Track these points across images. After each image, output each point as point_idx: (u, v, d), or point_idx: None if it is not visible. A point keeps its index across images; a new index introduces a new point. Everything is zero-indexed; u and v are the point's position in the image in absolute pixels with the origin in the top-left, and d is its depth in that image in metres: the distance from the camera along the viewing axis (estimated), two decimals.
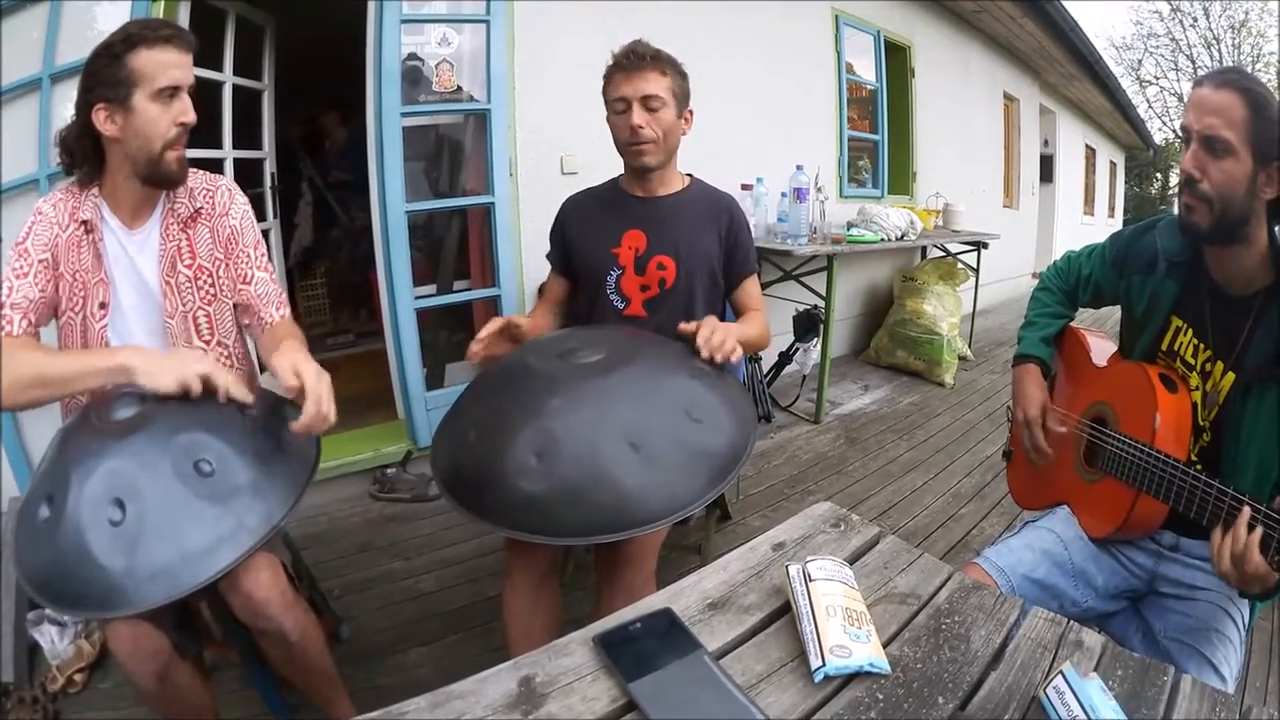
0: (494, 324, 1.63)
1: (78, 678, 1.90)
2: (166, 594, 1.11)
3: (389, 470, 3.13)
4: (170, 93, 1.39)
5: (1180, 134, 1.32)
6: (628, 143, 1.82)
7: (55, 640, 1.98)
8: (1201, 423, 1.36)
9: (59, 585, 1.11)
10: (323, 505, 2.98)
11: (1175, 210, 1.36)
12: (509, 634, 1.57)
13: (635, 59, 1.78)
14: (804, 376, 4.35)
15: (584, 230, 1.96)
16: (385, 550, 2.68)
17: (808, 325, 4.06)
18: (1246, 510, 1.11)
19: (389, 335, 3.27)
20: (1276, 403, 1.25)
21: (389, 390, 3.44)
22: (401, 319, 3.14)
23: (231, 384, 1.29)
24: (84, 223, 1.45)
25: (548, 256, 2.07)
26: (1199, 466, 1.26)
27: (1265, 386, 1.26)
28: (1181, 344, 1.40)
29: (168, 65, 1.38)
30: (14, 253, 1.41)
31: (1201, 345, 1.37)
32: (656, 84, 1.78)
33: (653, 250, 1.87)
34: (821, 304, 4.05)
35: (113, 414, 1.24)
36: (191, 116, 1.44)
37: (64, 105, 2.44)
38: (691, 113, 1.89)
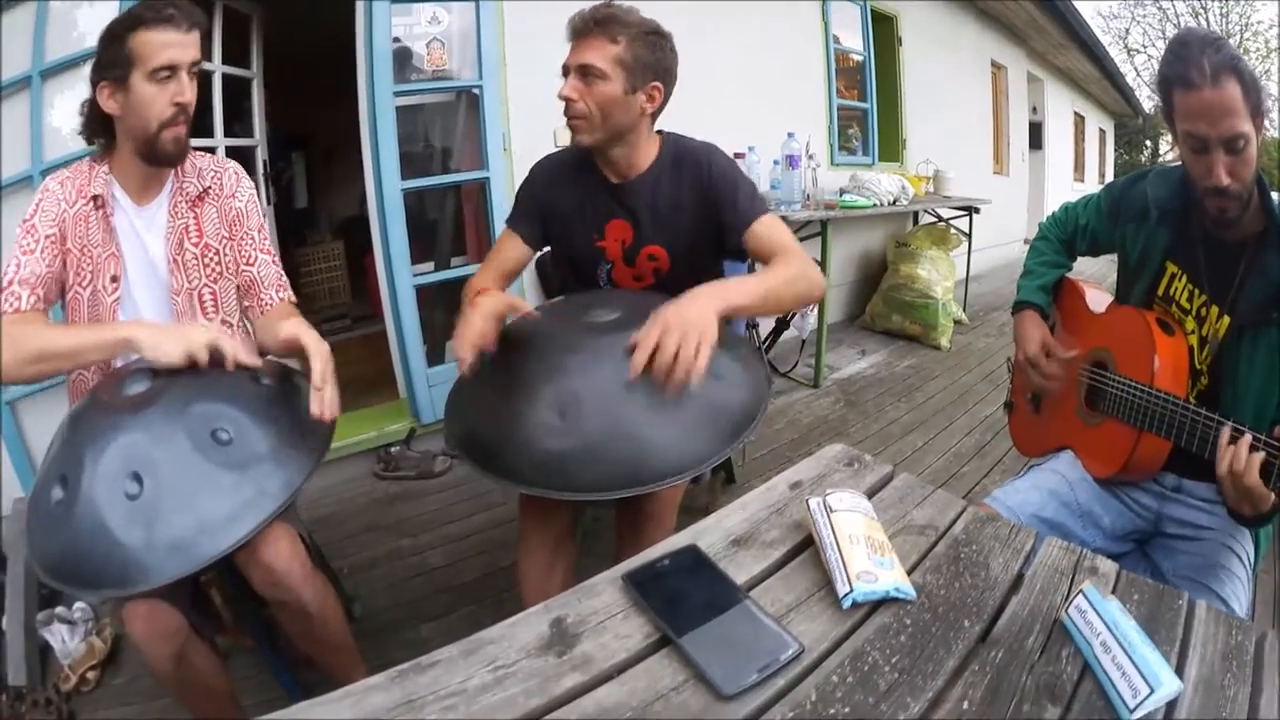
0: (473, 333, 1.38)
1: (90, 675, 1.88)
2: (188, 565, 1.08)
3: (393, 449, 3.14)
4: (167, 72, 1.38)
5: (1186, 136, 1.24)
6: (565, 115, 1.60)
7: (66, 639, 1.97)
8: (1199, 366, 1.38)
9: (75, 565, 1.08)
10: (328, 486, 2.98)
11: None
12: (525, 596, 1.55)
13: (580, 23, 1.55)
14: (802, 341, 4.37)
15: (564, 212, 1.74)
16: (392, 528, 2.68)
17: None
18: (1248, 436, 1.13)
19: (388, 314, 3.27)
20: (1270, 345, 1.27)
21: (389, 371, 3.44)
22: (401, 297, 3.15)
23: (239, 351, 1.29)
24: (94, 198, 1.45)
25: (508, 221, 1.81)
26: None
27: (1260, 330, 1.28)
28: (1177, 289, 1.42)
29: (165, 45, 1.37)
30: (21, 230, 1.41)
31: (1196, 290, 1.39)
32: (598, 52, 1.51)
33: (640, 242, 1.70)
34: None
35: (124, 390, 1.22)
36: (188, 96, 1.42)
37: (50, 108, 2.44)
38: (659, 89, 1.59)
